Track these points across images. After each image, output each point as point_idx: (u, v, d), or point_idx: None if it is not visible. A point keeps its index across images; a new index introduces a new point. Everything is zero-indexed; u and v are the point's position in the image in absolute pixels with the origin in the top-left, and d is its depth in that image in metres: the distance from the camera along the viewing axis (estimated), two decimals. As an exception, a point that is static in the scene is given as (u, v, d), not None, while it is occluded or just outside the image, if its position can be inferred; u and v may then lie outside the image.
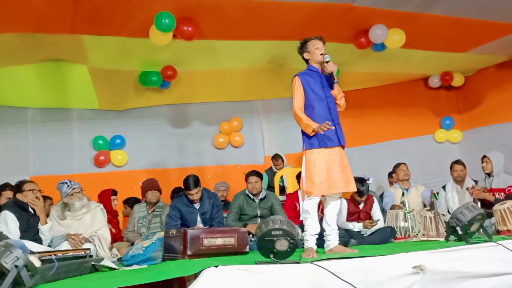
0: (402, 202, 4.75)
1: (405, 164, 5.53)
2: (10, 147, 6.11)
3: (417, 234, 4.41)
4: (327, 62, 3.45)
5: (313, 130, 3.27)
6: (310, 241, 3.32)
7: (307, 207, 3.35)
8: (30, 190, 3.87)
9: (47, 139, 6.30)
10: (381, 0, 4.91)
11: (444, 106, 7.83)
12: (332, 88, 3.49)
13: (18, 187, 3.91)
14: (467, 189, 5.15)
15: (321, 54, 3.48)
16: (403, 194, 4.97)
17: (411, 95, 7.68)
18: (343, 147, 3.46)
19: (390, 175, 6.33)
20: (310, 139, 3.37)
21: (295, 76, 3.51)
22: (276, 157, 6.57)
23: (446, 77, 7.37)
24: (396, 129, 7.52)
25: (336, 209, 3.49)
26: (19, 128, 6.22)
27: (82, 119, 6.55)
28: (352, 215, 4.70)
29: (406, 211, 4.55)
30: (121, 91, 6.50)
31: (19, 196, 3.87)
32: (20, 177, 5.74)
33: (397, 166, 5.59)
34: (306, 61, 3.59)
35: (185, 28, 4.94)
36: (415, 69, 7.21)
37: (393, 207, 5.18)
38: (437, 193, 4.95)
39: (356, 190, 3.56)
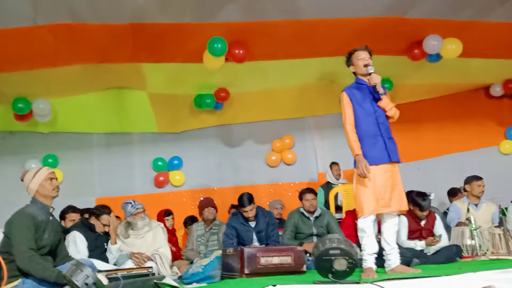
0: (468, 219, 4.50)
1: (482, 179, 5.04)
2: (78, 171, 6.51)
3: (485, 253, 4.15)
4: (369, 74, 3.33)
5: (357, 155, 3.25)
6: (369, 261, 3.23)
7: (362, 225, 3.26)
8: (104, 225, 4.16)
9: (111, 162, 6.67)
10: (434, 10, 4.79)
11: (509, 115, 7.37)
12: (379, 100, 3.36)
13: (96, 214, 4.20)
14: None
15: (365, 66, 3.36)
16: (468, 210, 4.69)
17: (472, 105, 7.30)
18: (397, 162, 3.34)
19: (452, 191, 6.01)
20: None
21: (342, 91, 3.45)
22: (334, 163, 6.45)
23: (509, 85, 6.96)
24: (457, 142, 7.16)
25: (395, 227, 3.36)
26: (85, 153, 6.64)
27: (143, 142, 6.88)
28: (414, 233, 4.50)
29: (472, 228, 4.30)
30: (178, 114, 6.77)
31: (93, 220, 4.14)
32: (87, 199, 6.15)
33: (473, 179, 5.03)
34: (354, 73, 3.50)
35: (237, 51, 5.09)
36: (475, 78, 6.88)
37: (459, 224, 4.88)
38: (506, 208, 4.63)
39: (407, 208, 3.40)
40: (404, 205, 3.33)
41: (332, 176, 6.37)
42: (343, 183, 6.30)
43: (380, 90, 3.34)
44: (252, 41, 5.12)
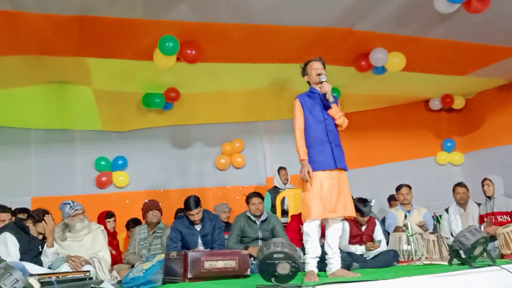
0: (405, 225, 4.71)
1: (407, 186, 5.46)
2: (13, 168, 6.14)
3: (420, 258, 4.36)
4: (321, 82, 3.46)
5: (302, 160, 3.35)
6: (311, 264, 3.29)
7: (307, 229, 3.32)
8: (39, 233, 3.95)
9: (50, 160, 6.33)
10: (381, 24, 4.99)
11: (445, 128, 7.86)
12: (329, 108, 3.48)
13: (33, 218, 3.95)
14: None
15: (317, 75, 3.49)
16: (405, 216, 4.93)
17: (412, 117, 7.72)
18: (344, 170, 3.45)
19: (391, 198, 6.29)
20: None
21: (296, 98, 3.55)
22: (282, 168, 6.52)
23: (447, 100, 7.42)
24: (398, 151, 7.52)
25: (338, 232, 3.46)
26: (22, 149, 6.25)
27: (85, 140, 6.59)
28: (355, 238, 4.65)
29: (409, 234, 4.51)
30: (124, 112, 6.56)
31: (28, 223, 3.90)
32: (22, 198, 5.78)
33: (398, 188, 5.55)
34: (308, 83, 3.62)
35: (189, 51, 5.03)
36: (416, 91, 7.27)
37: (396, 229, 5.13)
38: (440, 216, 4.90)
39: (354, 215, 3.52)
40: (350, 211, 3.42)
41: (280, 181, 6.44)
42: (290, 188, 6.39)
43: (330, 98, 3.45)
44: (204, 42, 5.08)
